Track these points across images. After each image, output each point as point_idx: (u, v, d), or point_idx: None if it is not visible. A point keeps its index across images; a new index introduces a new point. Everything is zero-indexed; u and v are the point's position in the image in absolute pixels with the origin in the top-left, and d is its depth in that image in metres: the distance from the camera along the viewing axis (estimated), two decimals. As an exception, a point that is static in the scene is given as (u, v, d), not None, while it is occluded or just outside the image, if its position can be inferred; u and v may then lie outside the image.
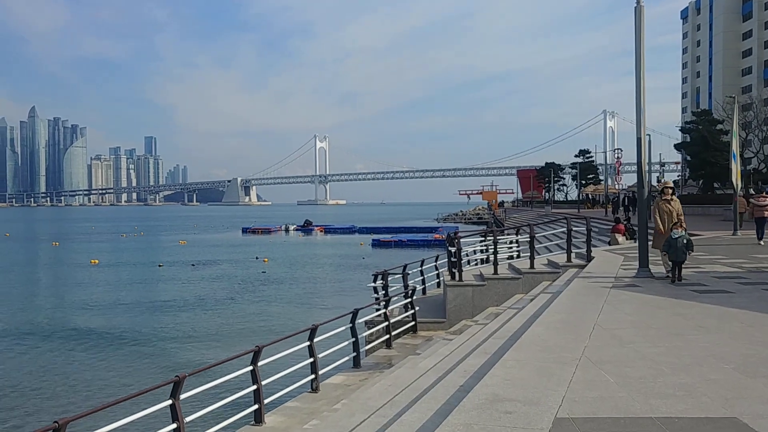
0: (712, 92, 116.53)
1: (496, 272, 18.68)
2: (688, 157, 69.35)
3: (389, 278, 19.62)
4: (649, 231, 14.31)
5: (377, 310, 17.23)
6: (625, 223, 28.54)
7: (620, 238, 26.84)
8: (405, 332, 17.88)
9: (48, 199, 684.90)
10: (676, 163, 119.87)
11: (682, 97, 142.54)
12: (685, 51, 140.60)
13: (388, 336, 16.31)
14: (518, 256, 23.65)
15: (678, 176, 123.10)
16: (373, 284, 19.24)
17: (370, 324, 17.57)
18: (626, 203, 48.07)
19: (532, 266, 18.80)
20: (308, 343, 12.41)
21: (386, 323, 16.39)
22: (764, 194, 25.10)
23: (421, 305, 19.81)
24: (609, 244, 26.76)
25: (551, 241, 26.45)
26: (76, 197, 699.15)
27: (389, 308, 17.73)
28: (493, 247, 19.25)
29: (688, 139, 66.10)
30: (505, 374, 6.75)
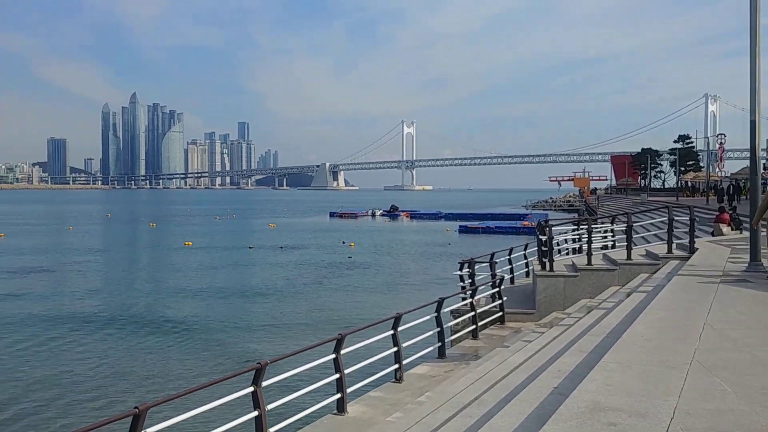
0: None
1: (590, 263, 17.79)
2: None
3: (476, 267, 19.09)
4: (762, 222, 13.11)
5: (463, 299, 16.71)
6: (730, 212, 26.71)
7: (725, 228, 25.13)
8: (492, 323, 17.31)
9: (147, 182, 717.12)
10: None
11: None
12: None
13: (474, 326, 15.79)
14: (613, 246, 22.53)
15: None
16: (459, 272, 18.73)
17: (455, 313, 17.09)
18: (731, 191, 45.29)
19: (629, 257, 17.80)
20: (392, 331, 12.09)
21: (473, 313, 15.87)
22: None
23: (509, 295, 19.15)
24: (712, 234, 25.10)
25: (649, 231, 25.11)
26: (173, 180, 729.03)
27: (476, 297, 17.20)
28: (586, 236, 18.31)
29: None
30: (606, 378, 6.13)
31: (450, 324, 16.51)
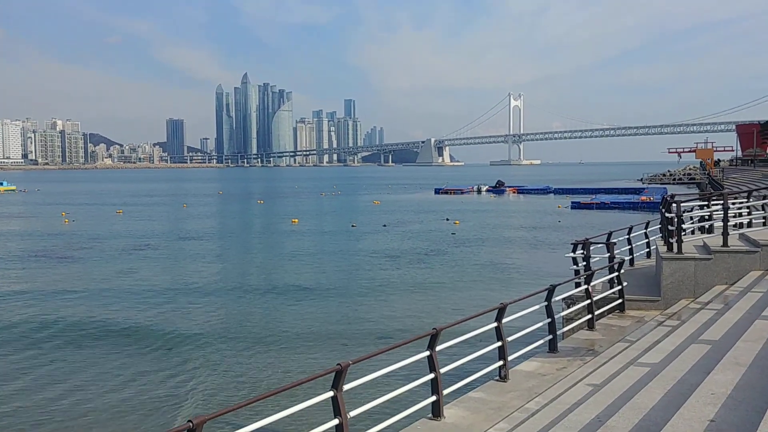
0: None
1: (725, 244, 15.53)
2: None
3: (591, 248, 17.23)
4: None
5: (577, 284, 14.95)
6: None
7: None
8: (610, 311, 15.47)
9: (259, 160, 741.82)
10: None
11: None
12: None
13: (590, 316, 14.05)
14: (749, 225, 19.92)
15: None
16: (572, 254, 16.91)
17: (569, 301, 15.40)
18: None
19: (773, 237, 15.41)
20: (495, 324, 10.66)
21: (588, 301, 14.13)
22: None
23: (629, 279, 17.19)
24: None
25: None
26: (283, 158, 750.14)
27: (591, 283, 15.42)
28: (722, 213, 15.99)
29: None
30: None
31: (563, 314, 14.86)
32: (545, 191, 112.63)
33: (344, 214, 73.89)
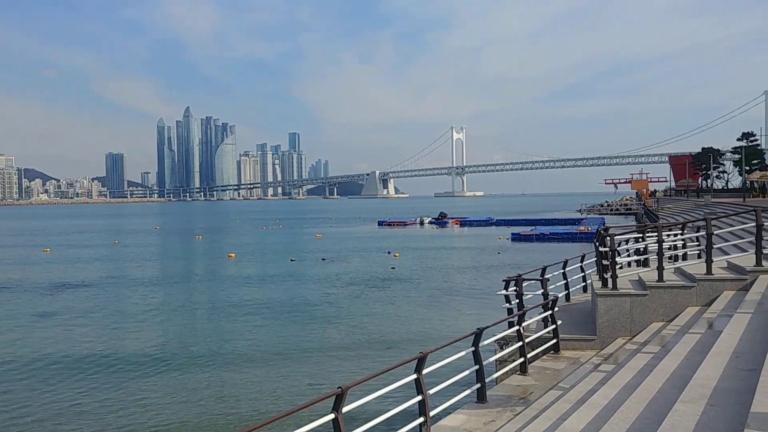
0: None
1: (661, 278, 14.87)
2: None
3: (525, 284, 16.38)
4: None
5: (511, 324, 14.01)
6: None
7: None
8: (545, 351, 14.56)
9: (202, 193, 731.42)
10: None
11: None
12: None
13: (522, 359, 13.09)
14: (684, 258, 19.49)
15: None
16: (504, 292, 15.99)
17: (502, 342, 14.44)
18: None
19: (709, 271, 14.82)
20: (415, 375, 9.55)
21: (520, 343, 13.17)
22: None
23: (565, 316, 16.40)
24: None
25: (726, 241, 21.92)
26: (227, 192, 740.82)
27: (526, 322, 14.54)
28: (656, 246, 15.38)
29: None
30: None
31: (496, 357, 13.86)
32: (487, 222, 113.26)
33: (284, 248, 72.24)
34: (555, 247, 63.13)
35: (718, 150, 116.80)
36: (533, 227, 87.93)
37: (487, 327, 11.81)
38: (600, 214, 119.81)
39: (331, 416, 7.61)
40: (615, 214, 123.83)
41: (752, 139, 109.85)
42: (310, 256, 61.04)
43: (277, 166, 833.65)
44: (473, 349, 11.28)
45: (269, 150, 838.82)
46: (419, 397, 9.62)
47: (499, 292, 16.29)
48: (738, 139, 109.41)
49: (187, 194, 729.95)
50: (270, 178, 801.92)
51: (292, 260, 57.19)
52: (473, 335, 11.33)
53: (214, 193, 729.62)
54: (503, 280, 16.35)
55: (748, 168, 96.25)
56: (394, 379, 9.24)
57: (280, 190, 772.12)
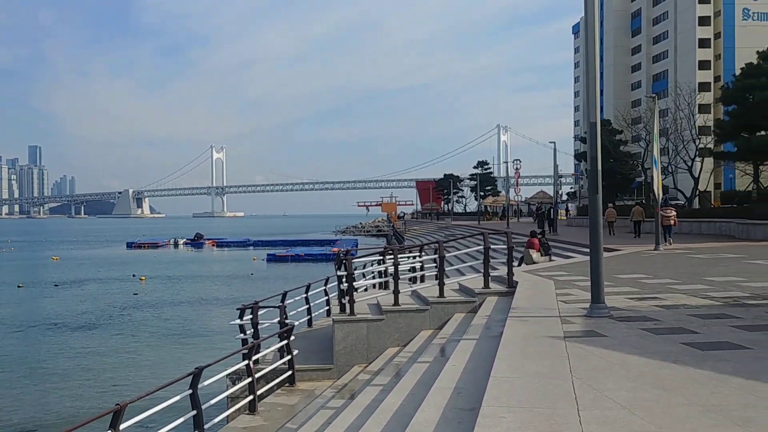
0: (603, 106, 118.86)
1: (397, 302, 14.73)
2: (588, 168, 68.68)
3: (263, 311, 15.37)
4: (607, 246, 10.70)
5: (245, 356, 12.85)
6: (539, 237, 25.35)
7: (535, 254, 23.63)
8: (280, 384, 13.61)
9: None
10: (573, 174, 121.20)
11: (575, 111, 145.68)
12: (577, 65, 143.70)
13: (252, 397, 11.97)
14: (422, 280, 19.90)
15: (571, 188, 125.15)
16: (238, 321, 14.82)
17: (234, 377, 13.18)
18: (551, 215, 46.45)
19: (441, 294, 15.00)
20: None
21: (249, 379, 12.04)
22: (669, 207, 31.23)
23: (306, 343, 15.61)
24: (521, 261, 23.42)
25: (464, 262, 22.96)
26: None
27: (263, 353, 13.55)
28: (393, 270, 15.26)
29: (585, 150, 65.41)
30: None
31: (228, 393, 12.58)
32: (245, 244, 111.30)
33: (13, 272, 63.98)
34: (309, 268, 63.38)
35: (458, 176, 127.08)
36: (289, 248, 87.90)
37: (210, 365, 10.55)
38: (354, 236, 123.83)
39: None
40: (368, 235, 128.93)
41: (486, 167, 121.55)
42: (44, 280, 54.69)
43: (14, 182, 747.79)
44: (191, 392, 9.95)
45: (5, 164, 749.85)
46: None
47: (233, 322, 15.09)
48: (474, 167, 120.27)
49: None
50: (5, 195, 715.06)
51: (19, 286, 50.54)
52: (191, 375, 10.00)
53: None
54: (237, 309, 15.20)
55: (482, 193, 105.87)
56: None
57: (17, 208, 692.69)
